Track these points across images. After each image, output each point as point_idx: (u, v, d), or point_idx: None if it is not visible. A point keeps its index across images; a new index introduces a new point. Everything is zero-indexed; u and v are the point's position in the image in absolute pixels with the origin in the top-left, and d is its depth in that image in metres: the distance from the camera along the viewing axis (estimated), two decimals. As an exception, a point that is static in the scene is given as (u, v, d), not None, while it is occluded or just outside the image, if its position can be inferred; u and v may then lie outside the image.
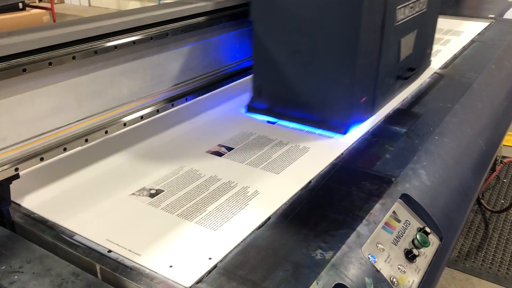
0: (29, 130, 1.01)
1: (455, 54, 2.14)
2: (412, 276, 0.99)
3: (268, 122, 1.46)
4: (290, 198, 1.07)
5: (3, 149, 0.97)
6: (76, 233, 0.96)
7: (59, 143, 1.07)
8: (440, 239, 1.12)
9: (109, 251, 0.91)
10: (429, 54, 1.93)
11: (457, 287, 2.21)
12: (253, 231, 0.96)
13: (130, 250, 0.91)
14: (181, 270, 0.86)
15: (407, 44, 1.59)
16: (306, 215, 1.02)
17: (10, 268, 0.88)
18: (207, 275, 0.85)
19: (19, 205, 1.07)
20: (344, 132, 1.37)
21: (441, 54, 2.14)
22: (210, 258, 0.88)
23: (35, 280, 0.85)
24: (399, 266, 0.99)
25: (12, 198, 1.04)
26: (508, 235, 2.56)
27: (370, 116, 1.47)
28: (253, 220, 1.00)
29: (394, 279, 0.95)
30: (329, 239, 0.94)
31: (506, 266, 2.34)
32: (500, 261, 2.38)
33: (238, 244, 0.93)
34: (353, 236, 0.96)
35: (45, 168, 1.16)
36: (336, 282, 0.85)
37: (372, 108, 1.48)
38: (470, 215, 2.66)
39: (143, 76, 1.26)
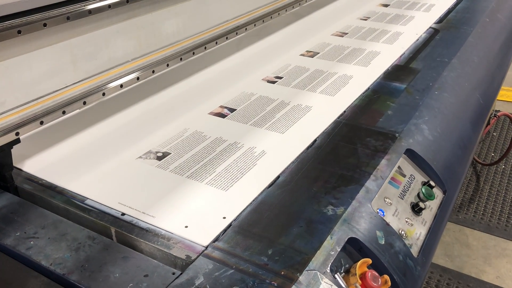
0: (27, 94, 1.00)
1: (449, 8, 2.13)
2: (419, 228, 1.02)
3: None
4: (298, 157, 1.08)
5: (2, 113, 0.95)
6: (87, 198, 0.97)
7: (58, 106, 1.05)
8: (444, 192, 1.14)
9: (123, 214, 0.92)
10: None
11: (451, 238, 2.28)
12: (263, 190, 0.97)
13: (143, 213, 0.92)
14: (197, 230, 0.87)
15: None
16: (315, 172, 1.03)
17: (24, 234, 0.88)
18: (222, 234, 0.86)
19: (20, 170, 1.06)
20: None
21: (435, 8, 2.12)
22: (224, 218, 0.90)
23: (52, 245, 0.85)
24: (406, 219, 1.01)
25: (14, 163, 1.03)
26: (498, 186, 2.62)
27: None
28: (263, 179, 1.01)
29: (403, 232, 0.97)
30: (339, 195, 0.96)
31: (497, 216, 2.41)
32: (491, 211, 2.45)
33: (250, 203, 0.94)
34: (362, 192, 0.97)
35: (45, 132, 1.15)
36: (349, 236, 0.87)
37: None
38: (461, 168, 2.71)
39: (137, 36, 1.23)
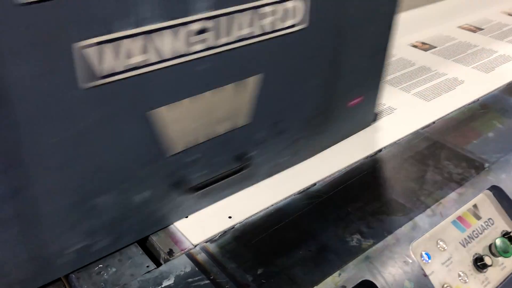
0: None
1: None
2: (475, 288, 0.81)
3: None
4: (348, 166, 0.92)
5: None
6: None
7: None
8: (531, 250, 0.89)
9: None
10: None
11: None
12: (289, 196, 0.84)
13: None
14: (196, 223, 0.77)
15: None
16: (358, 189, 0.86)
17: None
18: (220, 236, 0.76)
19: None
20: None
21: None
22: (230, 217, 0.79)
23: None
24: (460, 273, 0.80)
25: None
26: None
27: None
28: (288, 184, 0.87)
29: (448, 287, 0.77)
30: (375, 225, 0.79)
31: None
32: None
33: (267, 208, 0.82)
34: (406, 227, 0.79)
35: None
36: (364, 278, 0.71)
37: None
38: None
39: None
